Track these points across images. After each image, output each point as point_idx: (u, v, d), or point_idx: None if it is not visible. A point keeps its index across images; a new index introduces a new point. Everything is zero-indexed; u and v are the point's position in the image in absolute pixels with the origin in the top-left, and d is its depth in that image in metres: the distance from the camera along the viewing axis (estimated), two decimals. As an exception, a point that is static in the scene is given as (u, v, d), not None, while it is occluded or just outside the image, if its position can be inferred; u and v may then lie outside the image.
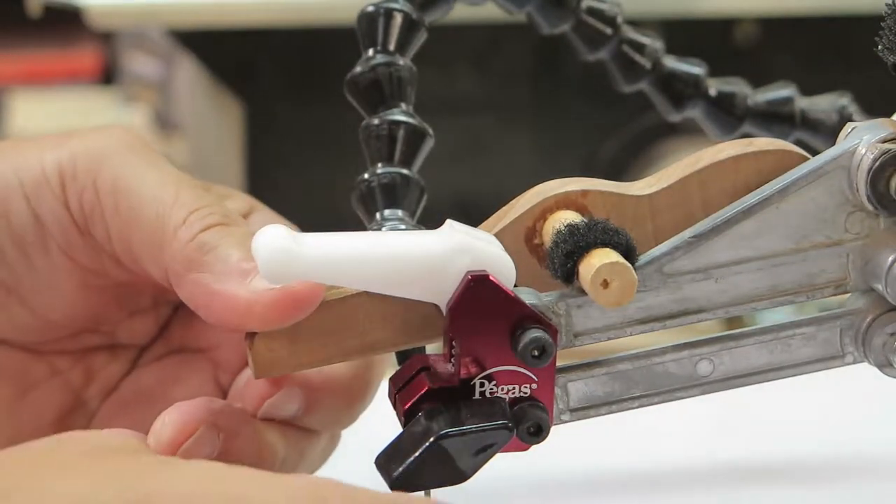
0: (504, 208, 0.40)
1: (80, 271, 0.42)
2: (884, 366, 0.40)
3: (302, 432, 0.41)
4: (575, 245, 0.37)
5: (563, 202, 0.39)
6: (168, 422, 0.38)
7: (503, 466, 0.38)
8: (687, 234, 0.38)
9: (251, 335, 0.38)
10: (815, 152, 0.40)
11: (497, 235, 0.39)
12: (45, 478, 0.32)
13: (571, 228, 0.37)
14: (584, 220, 0.38)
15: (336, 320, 0.38)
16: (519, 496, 0.50)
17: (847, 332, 0.40)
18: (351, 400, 0.41)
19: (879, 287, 0.39)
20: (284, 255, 0.35)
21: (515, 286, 0.37)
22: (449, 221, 0.37)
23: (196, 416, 0.38)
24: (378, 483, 0.36)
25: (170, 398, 0.43)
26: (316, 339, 0.38)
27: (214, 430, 0.38)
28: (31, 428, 0.43)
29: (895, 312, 0.40)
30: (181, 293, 0.39)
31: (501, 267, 0.37)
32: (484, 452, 0.36)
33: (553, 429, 0.38)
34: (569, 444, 0.42)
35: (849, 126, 0.39)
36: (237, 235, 0.39)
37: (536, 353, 0.37)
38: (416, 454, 0.36)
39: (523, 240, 0.39)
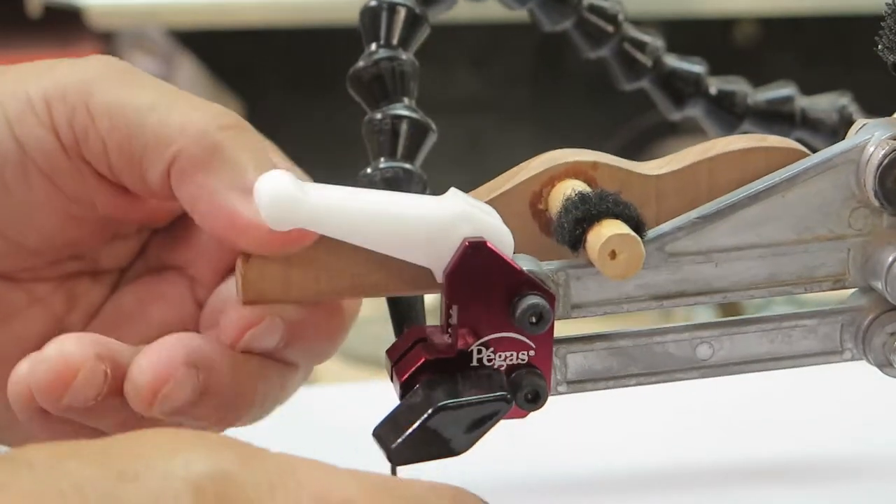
0: (513, 169, 0.40)
1: (64, 199, 0.40)
2: (884, 365, 0.40)
3: (281, 365, 0.40)
4: (586, 212, 0.37)
5: (573, 171, 0.39)
6: (145, 367, 0.37)
7: (504, 466, 0.38)
8: (692, 214, 0.38)
9: (245, 260, 0.38)
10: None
11: (504, 196, 0.39)
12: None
13: (582, 196, 0.37)
14: (595, 190, 0.37)
15: (332, 257, 0.38)
16: (519, 496, 0.50)
17: (848, 328, 0.40)
18: (331, 333, 0.41)
19: (879, 286, 0.39)
20: (288, 201, 0.35)
21: (515, 254, 0.37)
22: (453, 189, 0.37)
23: (172, 359, 0.37)
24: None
25: (149, 317, 0.42)
26: (309, 274, 0.38)
27: (193, 370, 0.37)
28: (12, 356, 0.42)
29: (895, 312, 0.40)
30: (181, 190, 0.38)
31: (501, 237, 0.37)
32: (482, 425, 0.36)
33: (553, 429, 0.38)
34: (568, 443, 0.42)
35: (859, 122, 0.39)
36: (252, 144, 0.38)
37: (534, 319, 0.36)
38: (415, 426, 0.35)
39: (528, 203, 0.39)
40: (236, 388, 0.38)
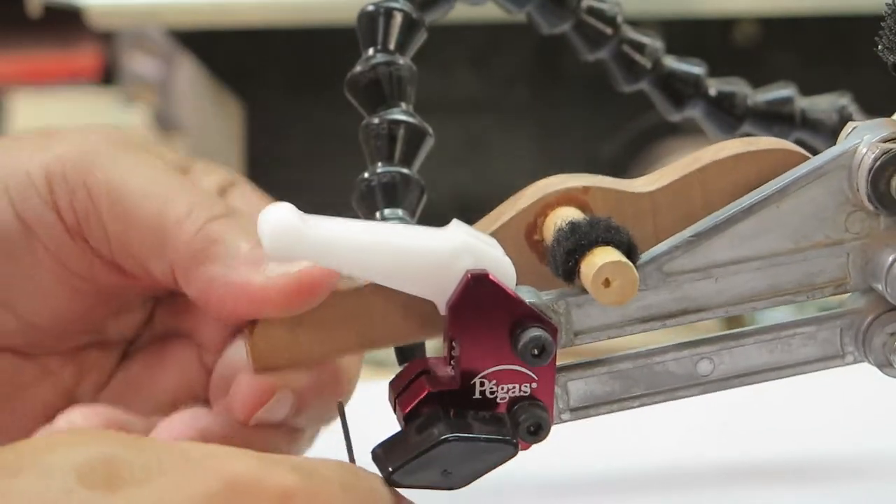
0: (506, 203, 0.40)
1: (69, 276, 0.41)
2: (884, 366, 0.40)
3: (290, 432, 0.41)
4: (576, 243, 0.37)
5: (565, 198, 0.39)
6: None
7: (504, 466, 0.38)
8: (687, 232, 0.38)
9: (250, 329, 0.38)
10: (815, 152, 0.40)
11: (499, 230, 0.39)
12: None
13: (573, 226, 0.37)
14: (586, 217, 0.37)
15: (335, 316, 0.38)
16: (519, 496, 0.50)
17: (847, 331, 0.40)
18: (336, 396, 0.41)
19: (879, 287, 0.39)
20: (291, 233, 0.35)
21: (516, 285, 0.37)
22: (455, 221, 0.37)
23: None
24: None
25: (158, 385, 0.43)
26: (315, 333, 0.38)
27: None
28: (22, 428, 0.42)
29: (895, 312, 0.40)
30: (189, 288, 0.39)
31: (503, 269, 0.37)
32: (483, 464, 0.36)
33: (553, 429, 0.38)
34: (569, 444, 0.42)
35: (849, 125, 0.39)
36: (242, 225, 0.39)
37: (536, 351, 0.37)
38: (418, 453, 0.35)
39: (524, 235, 0.39)
40: None
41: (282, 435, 0.40)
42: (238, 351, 0.41)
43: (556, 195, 0.39)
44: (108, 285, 0.42)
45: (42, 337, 0.42)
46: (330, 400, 0.41)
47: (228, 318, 0.39)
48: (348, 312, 0.38)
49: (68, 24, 1.48)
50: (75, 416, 0.38)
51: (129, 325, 0.44)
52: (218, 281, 0.38)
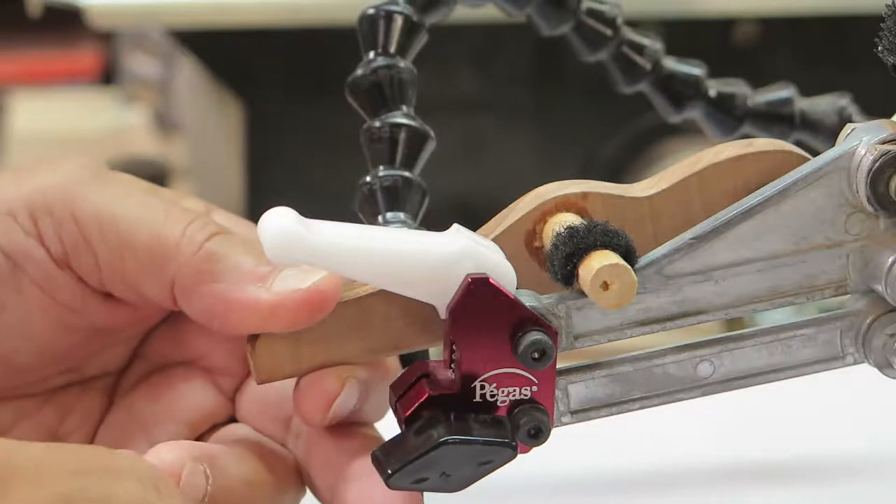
0: (504, 211, 0.40)
1: (58, 309, 0.41)
2: (884, 367, 0.40)
3: (359, 427, 0.41)
4: (574, 247, 0.37)
5: (563, 205, 0.39)
6: None
7: (503, 468, 0.38)
8: (687, 235, 0.38)
9: (252, 343, 0.38)
10: (815, 153, 0.40)
11: (498, 238, 0.39)
12: None
13: (571, 231, 0.37)
14: (584, 222, 0.38)
15: (336, 326, 0.38)
16: (519, 496, 0.50)
17: (847, 333, 0.40)
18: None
19: (879, 288, 0.39)
20: (292, 238, 0.35)
21: (517, 289, 0.37)
22: (456, 226, 0.37)
23: None
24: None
25: (174, 413, 0.42)
26: (317, 344, 0.38)
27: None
28: None
29: (895, 313, 0.40)
30: (191, 306, 0.39)
31: (503, 273, 0.37)
32: (482, 466, 0.36)
33: (553, 432, 0.38)
34: (569, 445, 0.42)
35: (848, 127, 0.39)
36: (241, 242, 0.39)
37: (537, 355, 0.37)
38: (418, 455, 0.36)
39: (523, 242, 0.39)
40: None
41: (353, 433, 0.40)
42: None
43: (555, 202, 0.39)
44: (95, 317, 0.41)
45: (20, 378, 0.41)
46: (384, 389, 0.41)
47: (232, 333, 0.39)
48: (349, 322, 0.38)
49: (68, 24, 1.49)
50: (164, 453, 0.38)
51: (109, 360, 0.43)
52: (221, 299, 0.38)
